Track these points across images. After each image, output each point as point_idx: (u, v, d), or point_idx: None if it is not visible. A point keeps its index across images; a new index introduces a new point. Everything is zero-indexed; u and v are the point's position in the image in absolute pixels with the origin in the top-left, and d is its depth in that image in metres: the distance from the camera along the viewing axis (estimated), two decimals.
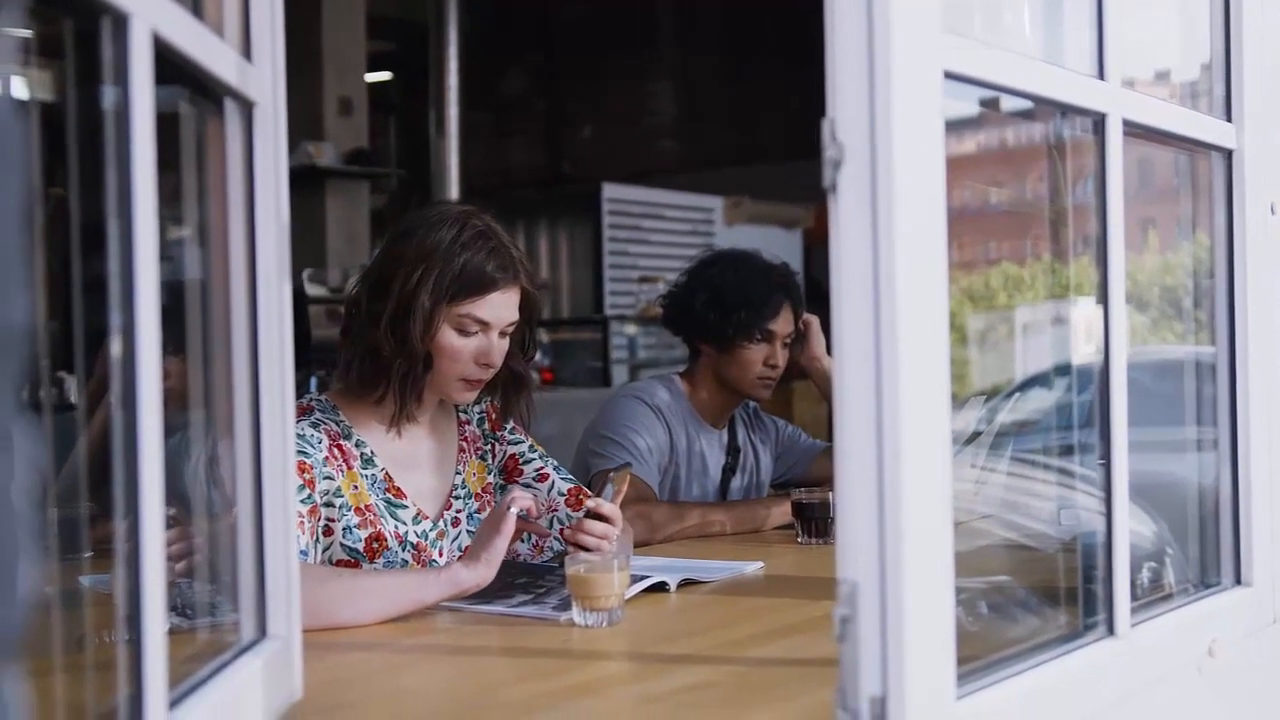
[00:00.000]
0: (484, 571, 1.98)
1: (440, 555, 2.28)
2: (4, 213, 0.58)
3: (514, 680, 1.65)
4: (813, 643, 1.77)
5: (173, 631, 1.10)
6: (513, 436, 2.47)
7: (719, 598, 2.17)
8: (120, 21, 1.00)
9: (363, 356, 2.22)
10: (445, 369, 2.22)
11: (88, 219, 1.07)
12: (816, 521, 2.67)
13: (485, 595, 2.04)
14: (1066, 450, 1.98)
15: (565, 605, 1.92)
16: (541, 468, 2.44)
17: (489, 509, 2.35)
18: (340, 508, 2.17)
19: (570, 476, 2.46)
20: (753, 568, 2.38)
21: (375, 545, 2.18)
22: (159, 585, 1.03)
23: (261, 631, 1.39)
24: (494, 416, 2.46)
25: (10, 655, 0.59)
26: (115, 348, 1.02)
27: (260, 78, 1.37)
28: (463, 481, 2.36)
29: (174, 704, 1.10)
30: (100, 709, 1.13)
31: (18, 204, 0.60)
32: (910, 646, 1.18)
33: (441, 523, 2.31)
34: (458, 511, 2.35)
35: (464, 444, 2.40)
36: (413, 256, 2.18)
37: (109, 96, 1.02)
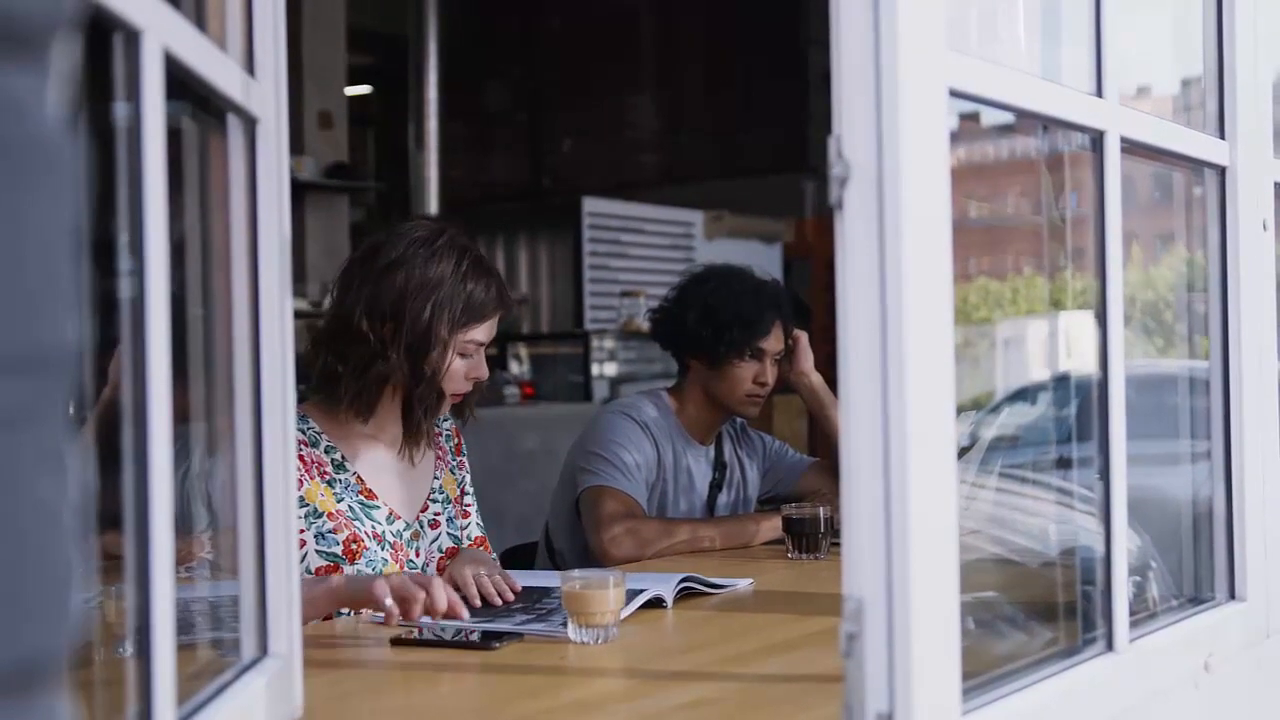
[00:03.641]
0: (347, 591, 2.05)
1: (417, 555, 2.36)
2: (58, 234, 0.58)
3: (513, 697, 1.65)
4: (811, 659, 1.77)
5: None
6: (465, 464, 2.57)
7: (713, 614, 2.17)
8: (133, 37, 0.99)
9: (372, 384, 2.27)
10: (444, 389, 2.32)
11: (94, 233, 1.07)
12: (807, 537, 2.67)
13: (488, 615, 2.04)
14: (1055, 465, 1.99)
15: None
16: (469, 505, 2.54)
17: (460, 518, 2.48)
18: (307, 516, 2.21)
19: (482, 524, 2.54)
20: (744, 584, 2.37)
21: (354, 547, 2.24)
22: (168, 602, 1.02)
23: (263, 650, 1.38)
24: (457, 441, 2.56)
25: (62, 678, 0.59)
26: (124, 363, 1.01)
27: (263, 93, 1.37)
28: (440, 486, 2.45)
29: None
30: None
31: (70, 226, 0.60)
32: (917, 662, 1.18)
33: (418, 524, 2.38)
34: (435, 514, 2.42)
35: (440, 453, 2.48)
36: (416, 288, 2.25)
37: (119, 111, 1.02)
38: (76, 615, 0.60)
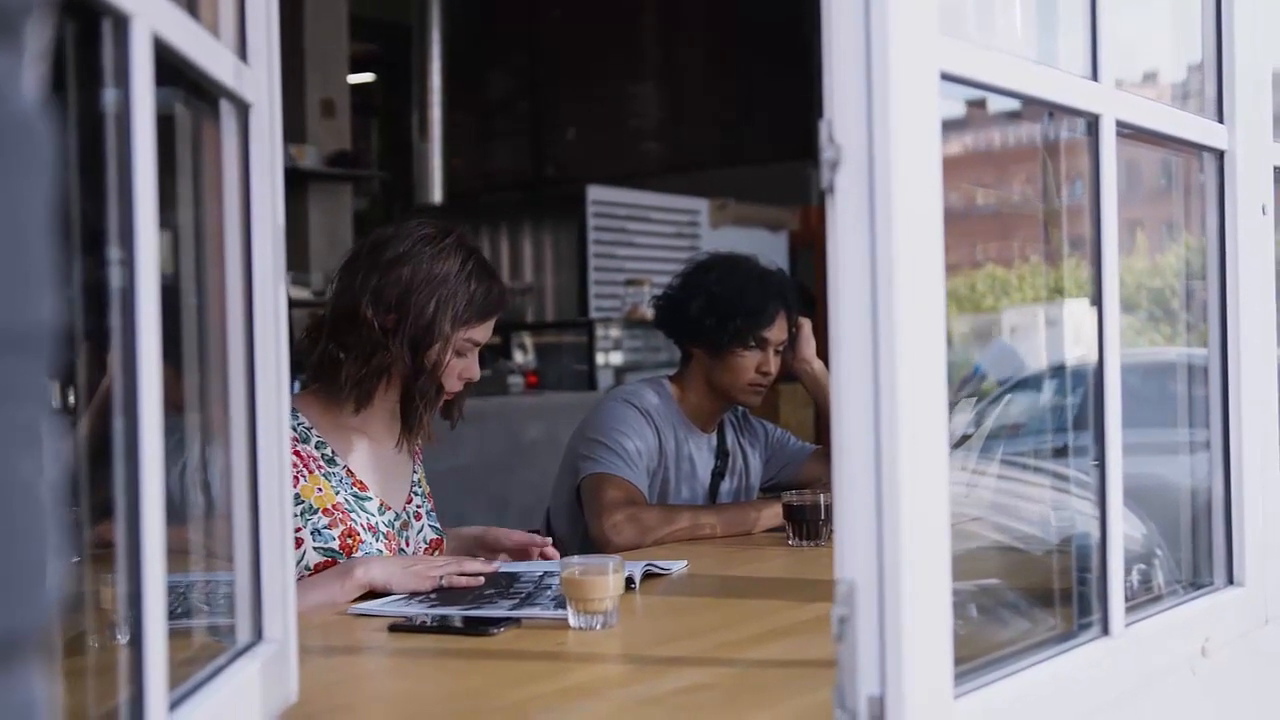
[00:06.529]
0: (381, 573, 2.14)
1: (407, 545, 2.41)
2: (32, 215, 0.58)
3: (509, 683, 1.65)
4: (808, 644, 1.77)
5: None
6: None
7: (712, 600, 2.17)
8: (121, 23, 0.99)
9: (373, 374, 2.30)
10: (443, 383, 2.35)
11: (82, 220, 1.07)
12: (808, 524, 2.67)
13: (471, 601, 2.04)
14: (1056, 452, 1.99)
15: (562, 603, 1.92)
16: (428, 506, 2.54)
17: (434, 511, 2.52)
18: (303, 513, 2.24)
19: (438, 526, 2.53)
20: (679, 566, 2.39)
21: (350, 541, 2.27)
22: (159, 588, 1.03)
23: (258, 634, 1.38)
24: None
25: (39, 653, 0.60)
26: (115, 351, 1.02)
27: (256, 79, 1.37)
28: (418, 480, 2.50)
29: (173, 706, 1.10)
30: (99, 712, 1.13)
31: (45, 207, 0.60)
32: (908, 646, 1.18)
33: (405, 514, 2.42)
34: (418, 506, 2.47)
35: (416, 449, 2.52)
36: (422, 282, 2.29)
37: (109, 98, 1.02)
38: (54, 592, 0.60)
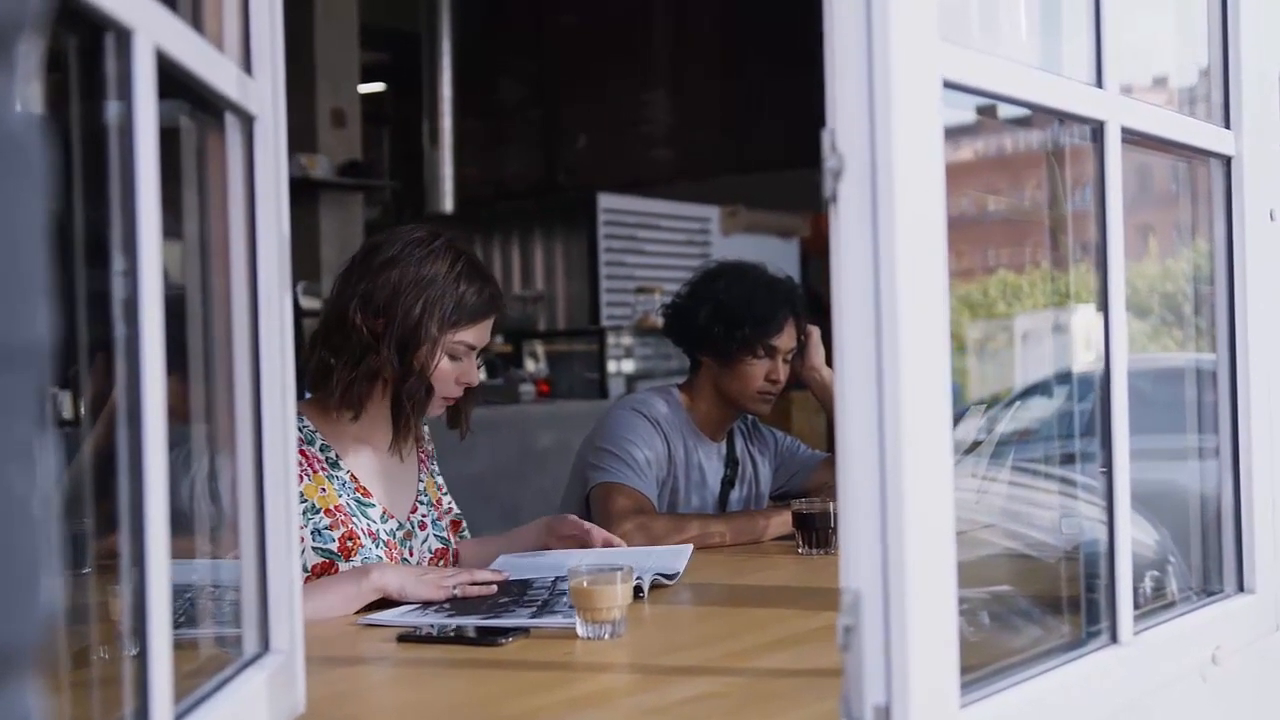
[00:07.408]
0: (395, 580, 2.12)
1: (411, 554, 2.40)
2: (29, 227, 0.58)
3: (517, 693, 1.65)
4: (816, 653, 1.77)
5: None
6: (435, 469, 2.60)
7: (721, 609, 2.17)
8: (124, 36, 1.00)
9: (362, 378, 2.30)
10: (433, 386, 2.35)
11: (87, 232, 1.07)
12: (817, 532, 2.66)
13: (486, 611, 2.04)
14: (1067, 459, 1.98)
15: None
16: (445, 496, 2.58)
17: (444, 519, 2.52)
18: (305, 512, 2.24)
19: (445, 536, 2.53)
20: (685, 553, 2.43)
21: (349, 544, 2.28)
22: (164, 600, 1.03)
23: (264, 645, 1.38)
24: (431, 448, 2.60)
25: (32, 666, 0.60)
26: (119, 362, 1.02)
27: (260, 91, 1.37)
28: (424, 489, 2.49)
29: (179, 718, 1.10)
30: None
31: (41, 219, 0.60)
32: (914, 655, 1.18)
33: (409, 523, 2.42)
34: (423, 516, 2.47)
35: (423, 456, 2.52)
36: (409, 285, 2.29)
37: (112, 111, 1.02)
38: (47, 607, 0.60)
